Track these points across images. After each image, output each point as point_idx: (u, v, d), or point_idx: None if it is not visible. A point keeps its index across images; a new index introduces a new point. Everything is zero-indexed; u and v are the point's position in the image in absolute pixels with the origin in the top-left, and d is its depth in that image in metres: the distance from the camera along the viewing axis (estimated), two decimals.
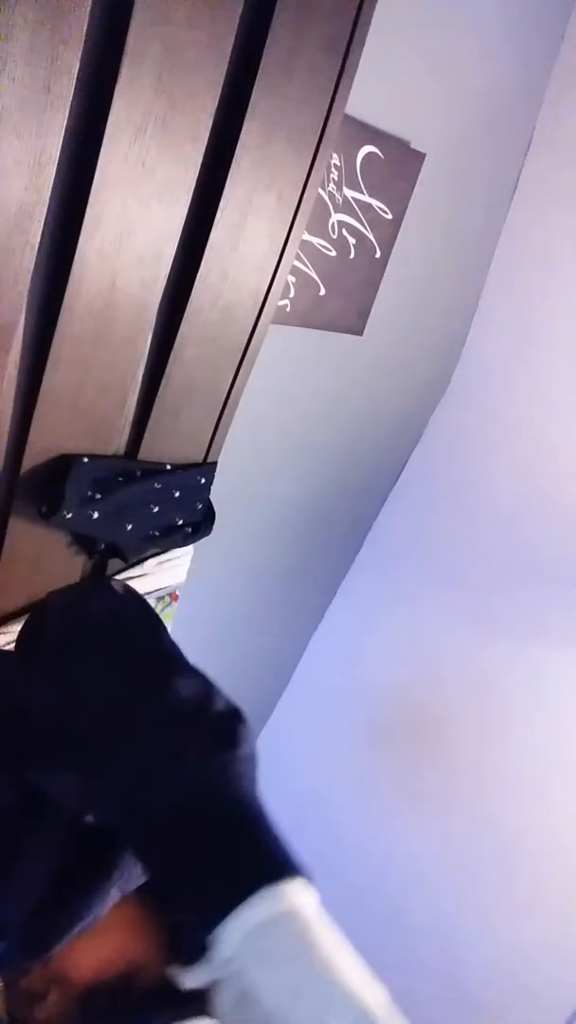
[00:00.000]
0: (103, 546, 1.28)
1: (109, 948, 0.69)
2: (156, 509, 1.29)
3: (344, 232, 1.54)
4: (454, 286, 1.98)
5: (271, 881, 0.58)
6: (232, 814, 0.64)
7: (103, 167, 0.94)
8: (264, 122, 1.08)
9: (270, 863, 0.60)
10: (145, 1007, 0.65)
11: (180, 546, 1.40)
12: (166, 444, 1.28)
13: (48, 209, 0.92)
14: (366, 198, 1.53)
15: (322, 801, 2.40)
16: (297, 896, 0.59)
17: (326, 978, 0.55)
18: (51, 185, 0.91)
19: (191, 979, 0.56)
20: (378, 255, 1.65)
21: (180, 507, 1.33)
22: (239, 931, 0.55)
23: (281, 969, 0.55)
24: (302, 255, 1.48)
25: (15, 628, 1.22)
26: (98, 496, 1.18)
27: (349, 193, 1.49)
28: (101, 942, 0.69)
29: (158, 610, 1.47)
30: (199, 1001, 0.57)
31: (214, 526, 1.43)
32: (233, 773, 0.66)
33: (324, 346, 1.69)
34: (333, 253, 1.54)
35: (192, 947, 0.57)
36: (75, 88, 0.87)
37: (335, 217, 1.50)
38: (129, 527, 1.26)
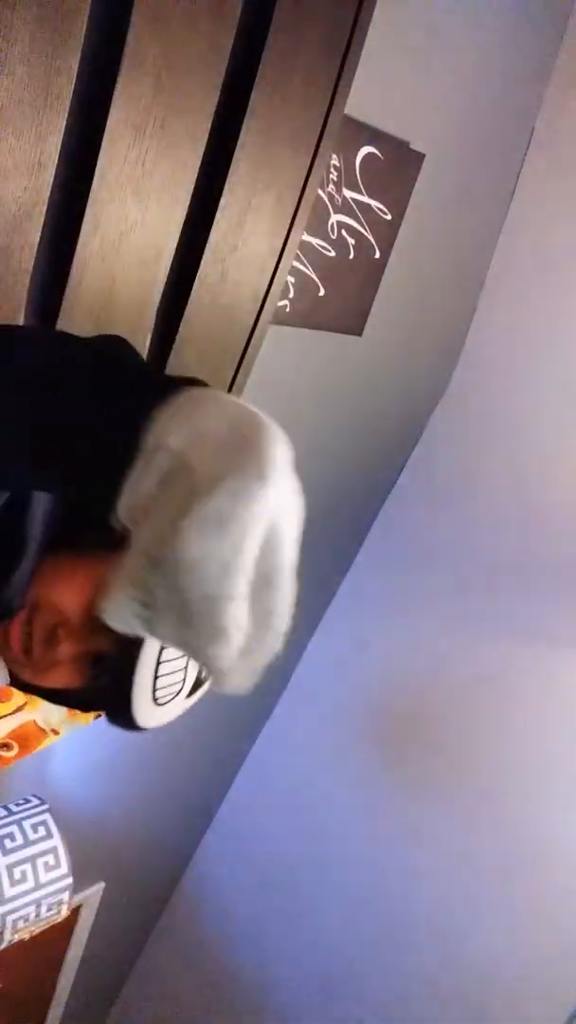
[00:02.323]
0: None
1: (84, 577, 0.71)
2: None
3: (343, 233, 1.54)
4: (453, 287, 1.98)
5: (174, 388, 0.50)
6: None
7: (102, 168, 0.94)
8: (263, 123, 1.08)
9: (167, 380, 0.53)
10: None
11: None
12: None
13: (47, 210, 0.92)
14: (365, 199, 1.53)
15: (322, 800, 2.39)
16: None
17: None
18: (50, 185, 0.91)
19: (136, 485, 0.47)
20: (377, 256, 1.65)
21: None
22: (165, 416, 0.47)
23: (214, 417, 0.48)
24: (301, 256, 1.48)
25: None
26: None
27: (348, 194, 1.49)
28: (70, 576, 0.71)
29: None
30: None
31: None
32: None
33: (323, 347, 1.69)
34: (332, 254, 1.54)
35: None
36: (74, 88, 0.87)
37: (334, 218, 1.50)
38: None
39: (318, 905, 2.39)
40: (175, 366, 1.20)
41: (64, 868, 1.70)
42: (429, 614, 2.19)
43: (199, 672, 0.74)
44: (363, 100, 1.36)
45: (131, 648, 0.67)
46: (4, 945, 1.70)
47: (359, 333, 1.74)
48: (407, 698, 2.25)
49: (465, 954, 2.10)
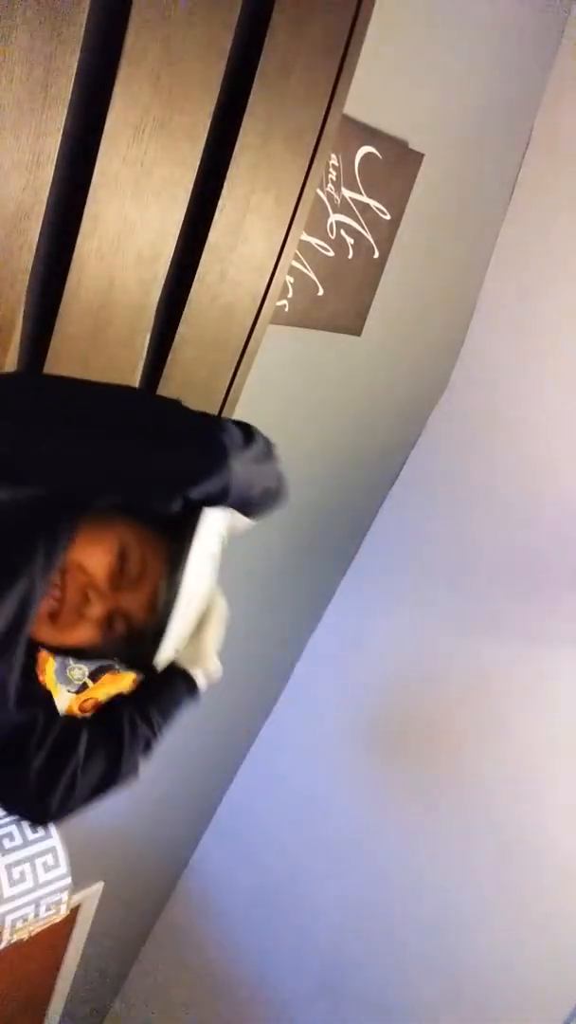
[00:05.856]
0: None
1: (105, 543, 0.78)
2: None
3: (342, 232, 1.54)
4: (452, 286, 1.98)
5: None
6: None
7: (101, 167, 0.94)
8: (262, 122, 1.08)
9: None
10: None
11: None
12: None
13: (46, 209, 0.92)
14: (364, 198, 1.53)
15: (321, 801, 2.39)
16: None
17: None
18: (49, 185, 0.91)
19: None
20: (376, 255, 1.65)
21: None
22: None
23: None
24: (300, 255, 1.48)
25: None
26: None
27: (347, 193, 1.49)
28: (95, 546, 0.77)
29: None
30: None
31: None
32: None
33: (322, 346, 1.69)
34: (331, 253, 1.54)
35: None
36: (73, 88, 0.87)
37: (333, 217, 1.50)
38: None
39: (317, 905, 2.39)
40: (174, 366, 1.20)
41: (63, 868, 1.70)
42: (428, 614, 2.19)
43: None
44: (362, 100, 1.37)
45: (156, 603, 0.76)
46: (3, 945, 1.70)
47: (358, 333, 1.74)
48: (406, 697, 2.25)
49: (464, 954, 2.10)
